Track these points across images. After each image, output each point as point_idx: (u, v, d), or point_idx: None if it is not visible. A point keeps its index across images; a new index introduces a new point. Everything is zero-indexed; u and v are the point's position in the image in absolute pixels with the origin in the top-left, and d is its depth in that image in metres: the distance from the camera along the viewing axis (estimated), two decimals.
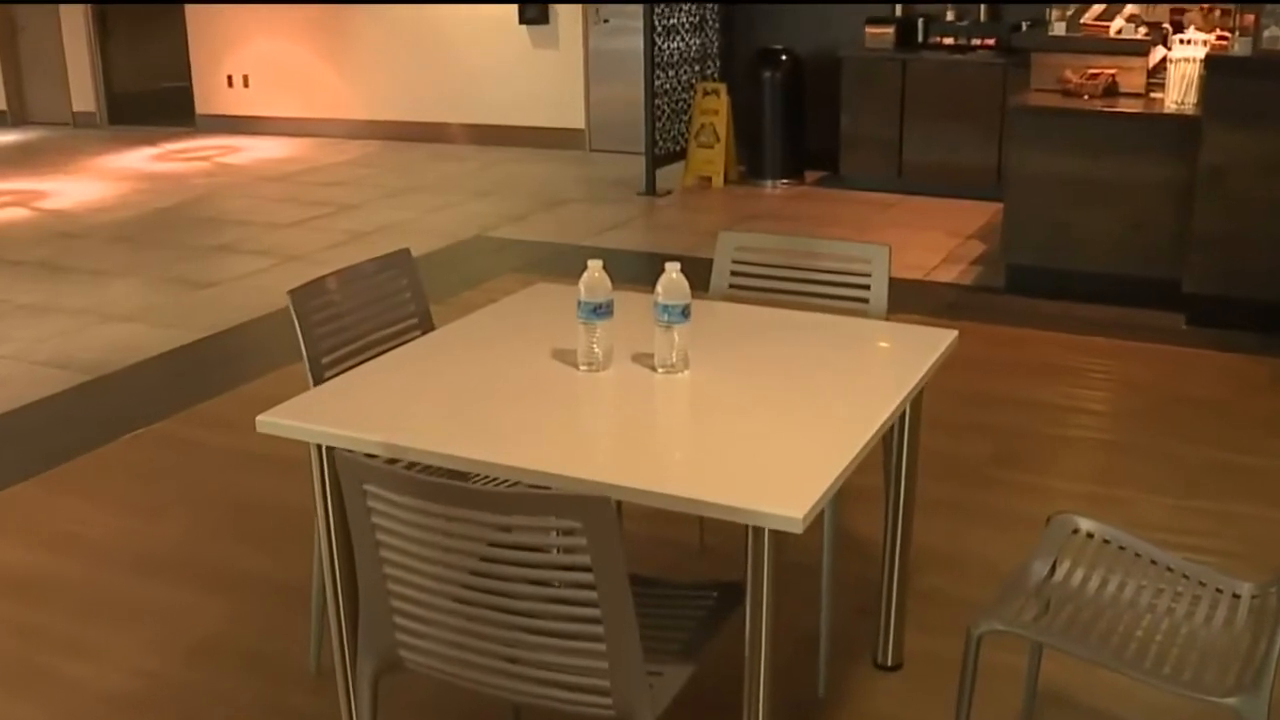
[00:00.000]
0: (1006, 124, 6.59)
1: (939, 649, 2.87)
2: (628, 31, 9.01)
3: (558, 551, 1.86)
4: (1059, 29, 6.24)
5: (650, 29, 7.91)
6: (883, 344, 2.80)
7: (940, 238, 6.81)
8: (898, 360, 2.66)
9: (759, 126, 8.18)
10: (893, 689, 2.82)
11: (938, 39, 7.98)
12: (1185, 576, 2.31)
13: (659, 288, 2.42)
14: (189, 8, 10.95)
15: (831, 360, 2.62)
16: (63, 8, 11.33)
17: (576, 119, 9.69)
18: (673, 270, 2.43)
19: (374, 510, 1.93)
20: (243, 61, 10.91)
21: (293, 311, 2.66)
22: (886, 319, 2.95)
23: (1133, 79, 5.84)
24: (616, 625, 1.84)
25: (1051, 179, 5.58)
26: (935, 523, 3.43)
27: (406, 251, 3.02)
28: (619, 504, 1.98)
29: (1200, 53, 5.35)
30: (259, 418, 2.29)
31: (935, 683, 2.78)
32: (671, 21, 8.20)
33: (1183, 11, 6.34)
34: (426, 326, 2.95)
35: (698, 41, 8.60)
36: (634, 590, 1.83)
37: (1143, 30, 6.13)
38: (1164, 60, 5.69)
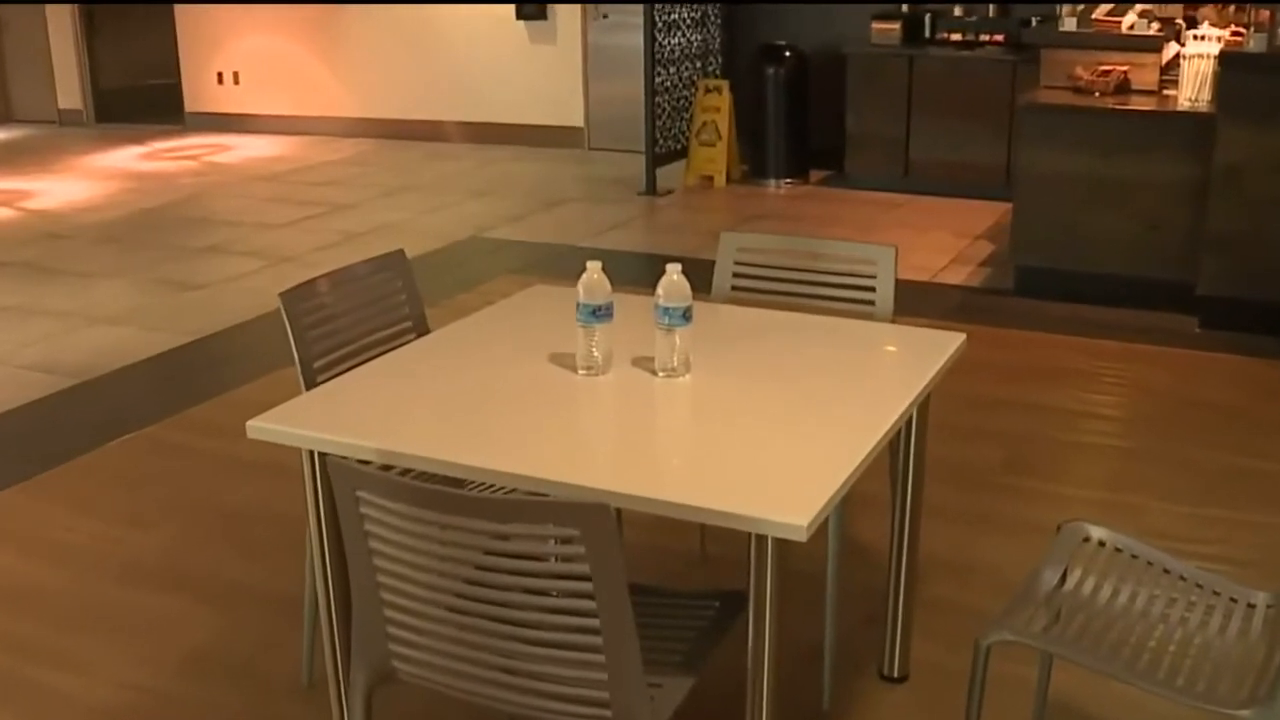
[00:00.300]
0: (1016, 122, 6.59)
1: (947, 660, 2.87)
2: (627, 27, 9.02)
3: (556, 560, 1.86)
4: (1070, 24, 6.24)
5: (651, 24, 7.92)
6: (889, 347, 2.80)
7: (947, 238, 6.81)
8: (904, 364, 2.67)
9: (762, 124, 8.19)
10: (899, 701, 2.82)
11: (945, 35, 7.99)
12: (1199, 586, 2.31)
13: (660, 290, 2.42)
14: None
15: (836, 364, 2.62)
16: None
17: (575, 117, 9.70)
18: (674, 272, 2.43)
19: (367, 518, 1.93)
20: (233, 58, 10.93)
21: (284, 314, 2.66)
22: (892, 322, 2.95)
23: (1145, 76, 5.84)
24: (616, 636, 1.84)
25: (1062, 178, 5.59)
26: (943, 530, 3.44)
27: (401, 253, 3.02)
28: (619, 511, 1.98)
29: (1214, 49, 5.36)
30: (249, 423, 2.29)
31: (943, 695, 2.78)
32: (672, 17, 8.21)
33: (1196, 7, 6.35)
34: (421, 330, 2.95)
35: (699, 37, 8.61)
36: (634, 600, 1.83)
37: (1155, 26, 6.13)
38: (1177, 56, 5.70)
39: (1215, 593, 2.29)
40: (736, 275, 3.14)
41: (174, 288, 6.29)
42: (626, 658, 1.85)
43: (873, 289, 2.99)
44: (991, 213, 7.24)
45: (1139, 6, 6.34)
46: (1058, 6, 6.52)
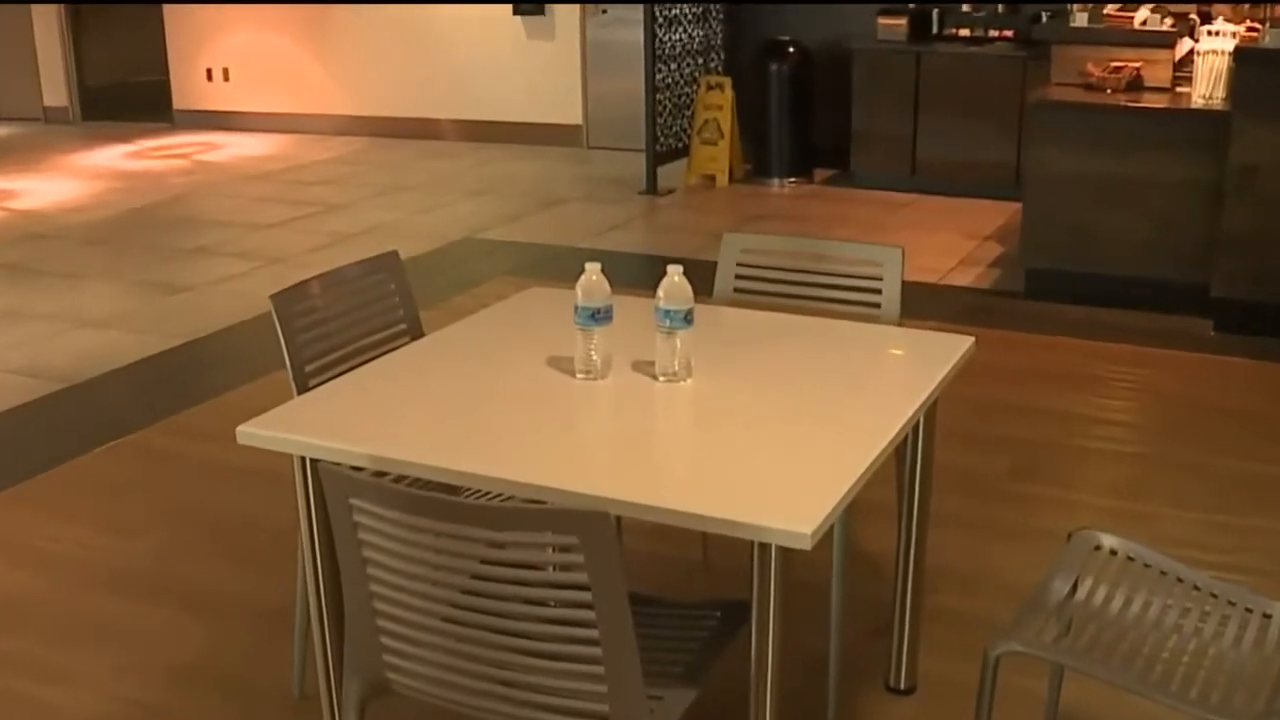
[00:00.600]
0: (1026, 120, 6.59)
1: (954, 672, 2.87)
2: (627, 23, 9.03)
3: (554, 569, 1.86)
4: (1081, 20, 6.25)
5: (651, 20, 7.93)
6: (895, 351, 2.81)
7: (956, 239, 6.82)
8: (911, 368, 2.67)
9: (765, 122, 8.19)
10: (906, 714, 2.82)
11: (953, 30, 8.00)
12: (1213, 595, 2.31)
13: (660, 292, 2.42)
14: None
15: (841, 368, 2.63)
16: None
17: (574, 114, 9.71)
18: (675, 273, 2.44)
19: (360, 526, 1.93)
20: (223, 54, 10.93)
21: (275, 317, 2.67)
22: (899, 325, 2.95)
23: (1158, 72, 5.85)
24: (615, 647, 1.84)
25: (1073, 178, 5.59)
26: (950, 539, 3.44)
27: (395, 254, 3.03)
28: (618, 519, 1.98)
29: (1229, 45, 5.36)
30: (239, 428, 2.29)
31: (951, 707, 2.78)
32: (673, 12, 8.22)
33: (1210, 2, 6.36)
34: (415, 333, 2.96)
35: (701, 33, 8.62)
36: (634, 610, 1.83)
37: (1168, 21, 6.14)
38: (1191, 53, 5.70)
39: (1230, 603, 2.29)
40: (739, 277, 3.15)
41: (162, 290, 6.29)
42: (626, 669, 1.86)
43: (879, 291, 3.00)
44: (1001, 213, 7.25)
45: (1151, 2, 6.35)
46: (1068, 3, 6.53)
